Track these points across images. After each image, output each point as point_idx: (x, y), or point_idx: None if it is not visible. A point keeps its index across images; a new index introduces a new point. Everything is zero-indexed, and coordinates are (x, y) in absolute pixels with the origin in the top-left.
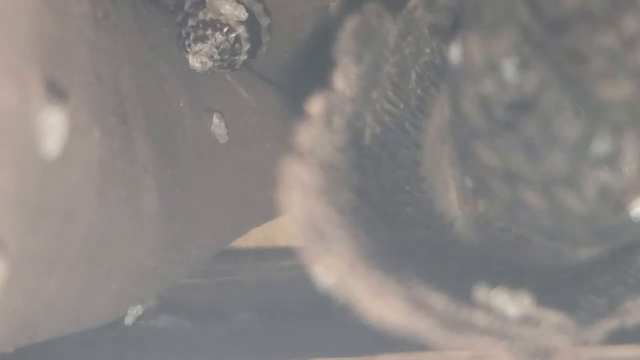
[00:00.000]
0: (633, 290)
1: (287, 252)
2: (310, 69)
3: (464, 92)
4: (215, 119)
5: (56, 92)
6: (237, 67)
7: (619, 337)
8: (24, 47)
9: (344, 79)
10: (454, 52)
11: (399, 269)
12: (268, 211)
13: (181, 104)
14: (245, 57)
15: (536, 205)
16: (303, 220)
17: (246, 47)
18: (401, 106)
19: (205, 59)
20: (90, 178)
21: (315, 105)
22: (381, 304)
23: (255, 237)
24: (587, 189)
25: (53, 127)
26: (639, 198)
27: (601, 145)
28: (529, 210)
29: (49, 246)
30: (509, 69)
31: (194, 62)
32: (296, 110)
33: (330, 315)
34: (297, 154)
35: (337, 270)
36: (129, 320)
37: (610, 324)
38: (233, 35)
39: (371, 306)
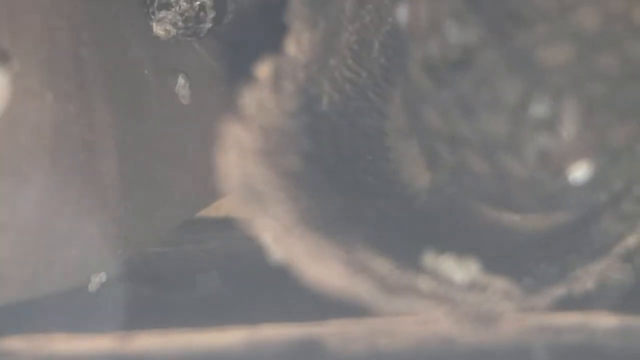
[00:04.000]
0: (585, 259)
1: None
2: (275, 38)
3: (411, 55)
4: (181, 80)
5: None
6: (201, 35)
7: (565, 304)
8: None
9: (297, 44)
10: (402, 13)
11: (343, 233)
12: None
13: (146, 71)
14: (210, 25)
15: (480, 170)
16: (238, 181)
17: (211, 15)
18: (364, 75)
19: (169, 27)
20: (42, 141)
21: (264, 69)
22: (318, 266)
23: (226, 207)
24: (527, 153)
25: None
26: (577, 163)
27: (540, 109)
28: (473, 176)
29: None
30: (452, 29)
31: (158, 30)
32: None
33: (296, 284)
34: (238, 116)
35: (272, 230)
36: (92, 287)
37: (558, 290)
38: (197, 2)
39: (308, 268)
